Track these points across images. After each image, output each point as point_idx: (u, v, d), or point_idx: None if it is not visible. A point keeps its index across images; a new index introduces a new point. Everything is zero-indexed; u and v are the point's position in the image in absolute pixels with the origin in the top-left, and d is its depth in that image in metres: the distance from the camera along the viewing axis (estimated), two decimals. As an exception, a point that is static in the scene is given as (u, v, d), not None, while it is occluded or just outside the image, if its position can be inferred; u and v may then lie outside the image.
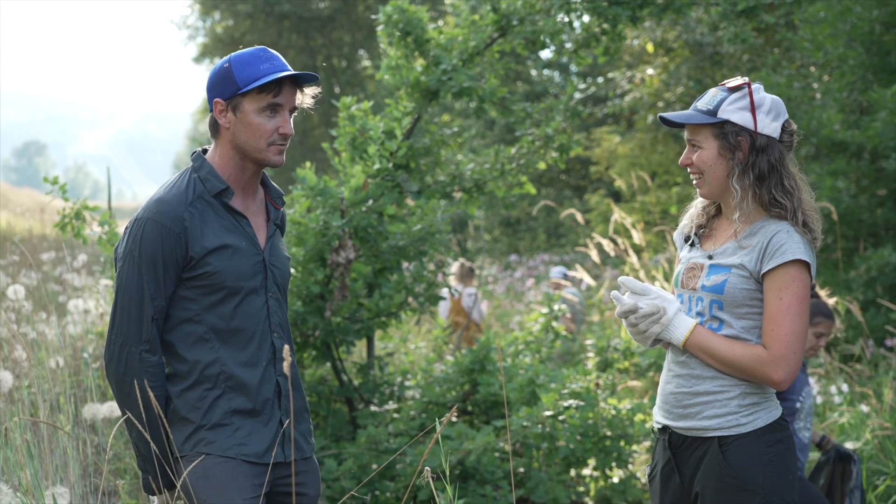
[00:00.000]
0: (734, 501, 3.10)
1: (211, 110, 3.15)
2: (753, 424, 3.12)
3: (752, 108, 3.10)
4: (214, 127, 3.16)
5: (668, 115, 3.21)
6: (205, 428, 3.07)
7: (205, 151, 3.23)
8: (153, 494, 3.13)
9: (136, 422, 3.01)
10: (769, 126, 3.10)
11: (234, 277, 3.09)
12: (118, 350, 3.03)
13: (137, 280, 3.03)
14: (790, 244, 3.05)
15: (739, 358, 3.09)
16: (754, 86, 3.14)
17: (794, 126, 3.15)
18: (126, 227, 3.10)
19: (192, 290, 3.08)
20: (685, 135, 3.24)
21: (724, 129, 3.13)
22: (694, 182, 3.25)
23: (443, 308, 11.22)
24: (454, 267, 11.64)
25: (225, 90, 3.10)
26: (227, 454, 3.06)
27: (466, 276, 11.47)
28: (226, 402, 3.09)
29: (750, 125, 3.10)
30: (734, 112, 3.11)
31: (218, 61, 3.29)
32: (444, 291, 11.03)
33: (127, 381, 3.01)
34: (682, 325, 3.19)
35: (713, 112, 3.14)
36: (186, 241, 3.04)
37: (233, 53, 3.16)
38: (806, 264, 3.05)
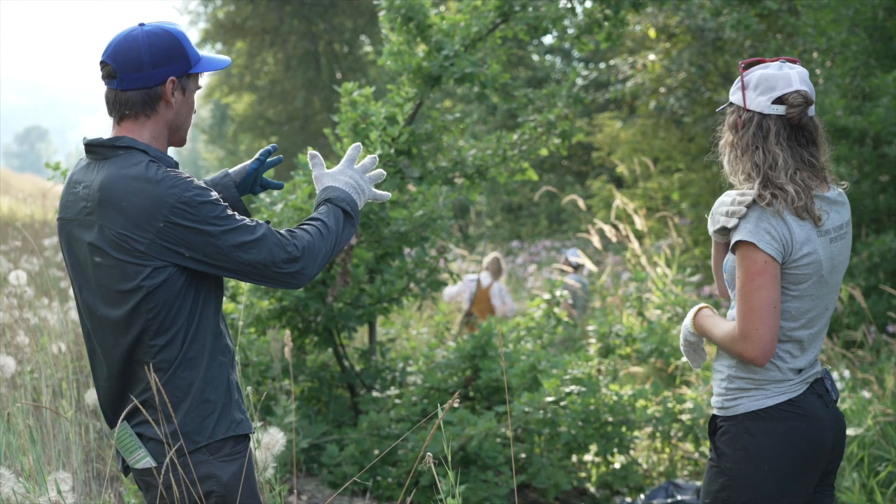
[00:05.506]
0: (710, 475, 3.22)
1: (150, 85, 2.94)
2: (735, 409, 3.17)
3: (743, 87, 3.21)
4: (152, 104, 2.96)
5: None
6: (229, 406, 2.99)
7: (112, 140, 2.96)
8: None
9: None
10: (755, 101, 3.17)
11: None
12: (322, 261, 2.99)
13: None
14: (740, 224, 3.09)
15: (721, 337, 3.17)
16: (761, 65, 3.22)
17: (798, 99, 3.14)
18: (185, 194, 2.82)
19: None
20: None
21: (729, 111, 3.28)
22: None
23: (466, 296, 11.26)
24: (486, 259, 11.68)
25: (178, 67, 2.97)
26: (251, 430, 3.02)
27: (497, 270, 11.48)
28: (233, 375, 3.03)
29: (741, 103, 3.21)
30: (734, 94, 3.24)
31: (183, 40, 2.99)
32: (471, 278, 11.12)
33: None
34: (691, 312, 3.34)
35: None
36: None
37: (162, 25, 3.00)
38: (751, 244, 3.05)
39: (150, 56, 2.92)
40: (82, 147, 3.03)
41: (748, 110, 3.18)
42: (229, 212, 2.87)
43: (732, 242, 3.11)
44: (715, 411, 3.25)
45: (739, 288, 3.06)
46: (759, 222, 3.05)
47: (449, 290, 11.35)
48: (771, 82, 3.15)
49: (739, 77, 3.22)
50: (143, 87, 2.94)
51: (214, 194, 2.87)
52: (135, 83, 2.93)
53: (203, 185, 2.87)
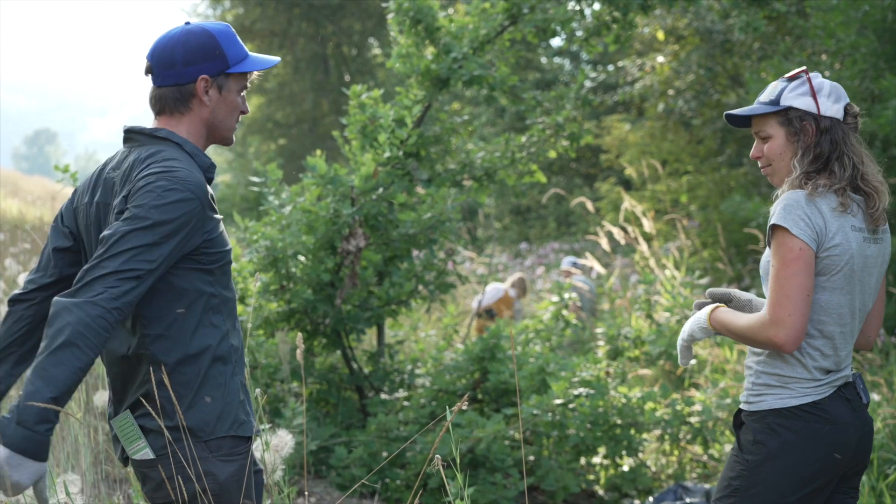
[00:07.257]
0: (730, 462, 3.29)
1: (182, 83, 2.97)
2: (758, 405, 3.22)
3: (813, 93, 3.22)
4: (185, 101, 2.99)
5: (734, 111, 3.36)
6: (233, 406, 2.95)
7: (154, 130, 3.02)
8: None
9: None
10: (831, 108, 3.22)
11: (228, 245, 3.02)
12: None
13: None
14: (776, 209, 3.13)
15: (747, 326, 3.16)
16: (811, 74, 3.26)
17: (857, 109, 3.25)
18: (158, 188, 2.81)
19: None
20: (752, 129, 3.36)
21: (788, 116, 3.25)
22: (765, 174, 3.36)
23: (490, 297, 11.47)
24: (513, 277, 12.37)
25: (213, 66, 2.98)
26: (255, 432, 3.00)
27: (522, 290, 12.27)
28: (239, 376, 3.00)
29: (813, 109, 3.22)
30: (796, 98, 3.24)
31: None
32: (499, 286, 11.61)
33: None
34: (706, 308, 3.35)
35: (776, 101, 3.27)
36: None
37: (205, 24, 3.02)
38: (786, 230, 3.09)
39: (183, 54, 2.96)
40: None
41: (826, 117, 3.22)
42: (166, 229, 2.74)
43: (769, 228, 3.15)
44: (742, 405, 3.30)
45: (774, 275, 3.09)
46: (794, 209, 3.10)
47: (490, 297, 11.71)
48: (837, 91, 3.24)
49: (805, 81, 3.25)
50: (175, 84, 2.98)
51: (180, 201, 2.77)
52: (167, 80, 2.98)
53: (186, 189, 2.80)
